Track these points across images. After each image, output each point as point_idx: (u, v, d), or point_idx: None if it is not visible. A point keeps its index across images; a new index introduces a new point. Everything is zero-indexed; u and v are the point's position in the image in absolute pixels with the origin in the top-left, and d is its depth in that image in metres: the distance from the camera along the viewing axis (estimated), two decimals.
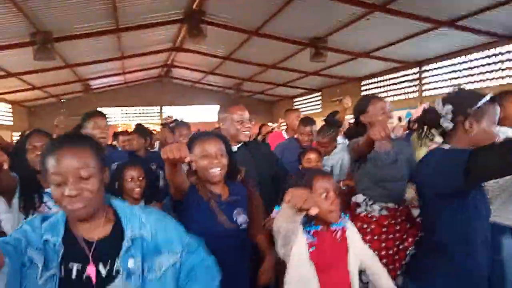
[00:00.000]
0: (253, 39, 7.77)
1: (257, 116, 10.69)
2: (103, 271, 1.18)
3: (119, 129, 9.47)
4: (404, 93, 9.04)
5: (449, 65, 7.81)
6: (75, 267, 1.16)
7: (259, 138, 6.21)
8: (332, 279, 1.66)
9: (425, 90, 8.47)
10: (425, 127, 1.80)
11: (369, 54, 7.95)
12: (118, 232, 1.24)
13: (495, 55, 6.89)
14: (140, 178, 2.52)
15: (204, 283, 1.35)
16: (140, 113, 14.47)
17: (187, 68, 11.75)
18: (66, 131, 2.67)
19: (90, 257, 1.18)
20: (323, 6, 5.90)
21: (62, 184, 1.14)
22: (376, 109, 2.56)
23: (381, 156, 2.51)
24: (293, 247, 1.61)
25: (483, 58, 7.09)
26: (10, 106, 11.53)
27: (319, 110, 12.24)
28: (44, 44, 6.24)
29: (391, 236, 2.51)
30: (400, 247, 2.51)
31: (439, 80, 8.08)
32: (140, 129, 4.40)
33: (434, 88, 8.24)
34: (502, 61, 6.80)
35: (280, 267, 1.78)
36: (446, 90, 1.82)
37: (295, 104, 13.91)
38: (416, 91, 8.64)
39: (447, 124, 1.69)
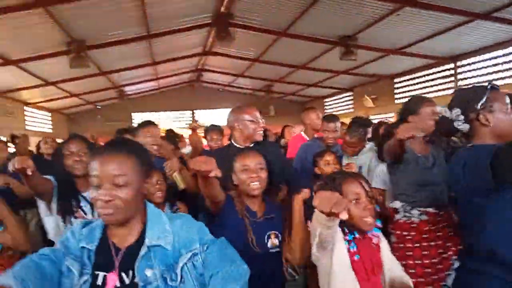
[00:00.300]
0: (282, 40, 7.74)
1: (288, 117, 10.66)
2: (127, 280, 1.17)
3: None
4: (439, 90, 8.67)
5: (485, 60, 7.45)
6: (101, 274, 1.17)
7: (282, 142, 5.83)
8: None
9: (460, 86, 8.11)
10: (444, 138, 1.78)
11: (401, 51, 7.74)
12: (142, 239, 1.22)
13: None
14: (159, 182, 2.50)
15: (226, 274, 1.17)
16: (172, 118, 14.63)
17: (217, 72, 11.83)
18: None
19: (117, 265, 1.18)
20: (351, 4, 5.81)
21: (99, 187, 1.16)
22: (427, 113, 2.44)
23: (419, 159, 2.45)
24: (333, 256, 1.55)
25: None
26: (49, 114, 11.96)
27: (351, 110, 12.03)
28: (79, 53, 6.47)
29: (433, 243, 2.39)
30: (444, 255, 2.38)
31: (476, 75, 7.74)
32: (169, 135, 4.48)
33: (470, 84, 7.87)
34: None
35: (311, 270, 1.74)
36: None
37: (325, 104, 13.74)
38: (452, 87, 8.29)
39: (463, 126, 1.68)
